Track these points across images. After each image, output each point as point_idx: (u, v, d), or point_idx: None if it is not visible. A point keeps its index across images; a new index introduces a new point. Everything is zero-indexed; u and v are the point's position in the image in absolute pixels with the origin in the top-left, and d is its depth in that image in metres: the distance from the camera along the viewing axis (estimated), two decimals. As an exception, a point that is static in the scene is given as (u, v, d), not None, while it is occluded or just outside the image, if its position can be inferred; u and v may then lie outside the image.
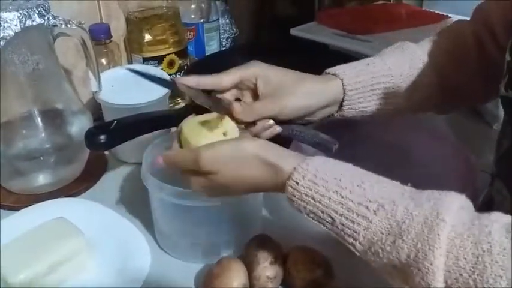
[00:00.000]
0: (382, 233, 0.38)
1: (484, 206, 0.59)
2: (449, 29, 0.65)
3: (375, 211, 0.39)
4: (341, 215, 0.40)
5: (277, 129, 0.55)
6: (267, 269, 0.53)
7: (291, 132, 0.56)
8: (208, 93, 0.55)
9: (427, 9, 1.22)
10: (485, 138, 0.84)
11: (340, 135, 0.73)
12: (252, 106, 0.54)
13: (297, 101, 0.54)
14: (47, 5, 0.62)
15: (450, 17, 1.14)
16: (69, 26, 0.64)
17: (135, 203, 0.69)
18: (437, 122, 0.86)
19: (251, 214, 0.63)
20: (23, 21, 0.58)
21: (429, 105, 0.63)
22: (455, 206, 0.37)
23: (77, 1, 0.83)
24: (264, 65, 0.56)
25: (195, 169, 0.47)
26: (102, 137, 0.57)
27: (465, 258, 0.34)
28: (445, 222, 0.36)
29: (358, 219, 0.39)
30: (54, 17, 0.63)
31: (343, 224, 0.40)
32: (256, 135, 0.54)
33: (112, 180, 0.77)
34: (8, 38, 0.58)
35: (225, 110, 0.53)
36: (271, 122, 0.54)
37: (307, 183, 0.42)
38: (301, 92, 0.55)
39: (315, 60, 0.94)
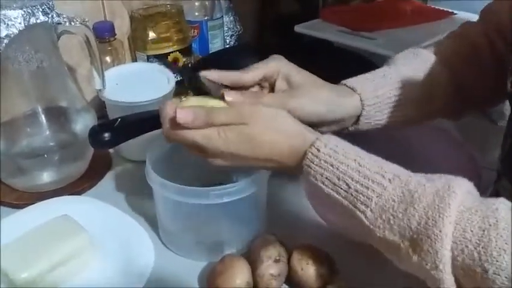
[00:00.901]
0: (394, 201, 0.39)
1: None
2: (459, 31, 0.64)
3: (390, 180, 0.40)
4: (357, 181, 0.41)
5: None
6: (271, 267, 0.53)
7: None
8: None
9: (432, 6, 1.21)
10: (491, 135, 0.83)
11: (344, 134, 0.74)
12: (261, 99, 0.53)
13: (309, 106, 0.54)
14: (51, 3, 0.63)
15: (455, 14, 1.13)
16: (73, 23, 0.64)
17: (140, 200, 0.69)
18: (443, 119, 0.85)
19: (255, 212, 0.63)
20: (27, 19, 0.59)
21: (442, 111, 0.62)
22: (465, 185, 0.39)
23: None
24: (286, 62, 0.56)
25: (228, 120, 0.47)
26: (106, 135, 0.57)
27: (472, 231, 0.35)
28: (456, 194, 0.37)
29: (373, 186, 0.40)
30: (58, 15, 0.63)
31: (357, 191, 0.41)
32: None
33: (116, 178, 0.77)
34: (12, 35, 0.58)
35: None
36: None
37: (328, 150, 0.43)
38: (316, 99, 0.54)
39: (320, 57, 0.95)
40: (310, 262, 0.53)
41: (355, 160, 0.42)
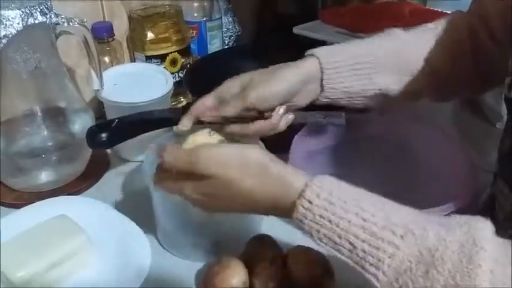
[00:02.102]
0: (411, 262, 0.34)
1: (486, 205, 0.59)
2: (443, 20, 0.64)
3: (402, 236, 0.34)
4: (363, 240, 0.35)
5: (290, 116, 0.55)
6: (267, 268, 0.53)
7: (298, 120, 0.56)
8: None
9: (431, 8, 1.21)
10: (488, 137, 0.83)
11: (345, 134, 0.74)
12: (244, 96, 0.52)
13: (267, 89, 0.53)
14: (49, 3, 0.63)
15: (454, 16, 1.13)
16: (71, 24, 0.64)
17: (137, 201, 0.69)
18: (441, 120, 0.85)
19: (251, 214, 0.63)
20: (25, 20, 0.59)
21: (421, 90, 0.61)
22: (489, 231, 0.34)
23: (79, 0, 0.83)
24: (260, 91, 0.53)
25: (190, 169, 0.43)
26: (104, 135, 0.57)
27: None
28: (485, 251, 0.32)
29: (383, 245, 0.35)
30: (57, 15, 0.63)
31: (364, 251, 0.35)
32: (275, 128, 0.54)
33: (114, 178, 0.77)
34: (10, 36, 0.58)
35: None
36: (282, 110, 0.54)
37: (322, 202, 0.37)
38: (276, 78, 0.54)
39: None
40: (305, 264, 0.54)
41: (357, 214, 0.36)
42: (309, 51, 0.58)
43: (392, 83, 0.58)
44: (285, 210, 0.40)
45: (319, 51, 0.57)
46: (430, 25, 0.63)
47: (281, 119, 0.54)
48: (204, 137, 0.51)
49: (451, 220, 0.36)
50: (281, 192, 0.40)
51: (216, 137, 0.52)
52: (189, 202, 0.46)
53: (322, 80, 0.56)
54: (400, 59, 0.58)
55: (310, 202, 0.38)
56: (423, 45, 0.59)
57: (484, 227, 0.34)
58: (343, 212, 0.37)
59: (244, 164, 0.42)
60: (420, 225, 0.35)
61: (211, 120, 0.53)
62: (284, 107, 0.54)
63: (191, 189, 0.44)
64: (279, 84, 0.54)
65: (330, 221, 0.37)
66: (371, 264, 0.35)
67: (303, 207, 0.38)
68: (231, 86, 0.55)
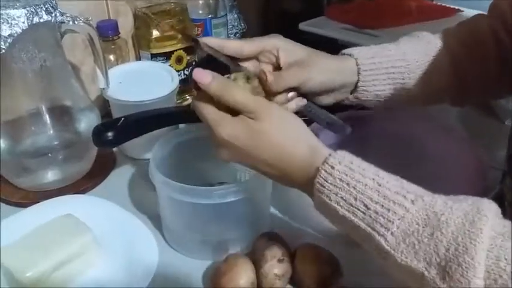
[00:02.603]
0: (418, 224, 0.36)
1: (495, 201, 0.58)
2: (466, 21, 0.64)
3: (412, 201, 0.37)
4: (376, 202, 0.38)
5: (303, 100, 0.55)
6: (275, 266, 0.53)
7: (305, 109, 0.56)
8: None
9: (438, 3, 1.20)
10: (497, 134, 0.82)
11: (352, 130, 0.73)
12: (281, 74, 0.53)
13: (319, 75, 0.55)
14: (54, 2, 0.62)
15: (462, 11, 1.12)
16: (76, 22, 0.64)
17: (144, 199, 0.69)
18: (449, 117, 0.85)
19: (259, 211, 0.62)
20: (30, 18, 0.58)
21: (444, 95, 0.62)
22: (494, 208, 0.36)
23: (85, -2, 0.83)
24: (284, 38, 0.56)
25: (242, 107, 0.45)
26: (110, 134, 0.57)
27: (506, 259, 0.33)
28: (487, 218, 0.35)
29: (395, 208, 0.37)
30: (62, 14, 0.63)
31: (377, 212, 0.38)
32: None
33: (121, 176, 0.77)
34: (15, 35, 0.58)
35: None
36: (293, 93, 0.54)
37: (343, 168, 0.40)
38: (323, 68, 0.55)
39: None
40: (313, 262, 0.53)
41: (373, 179, 0.39)
42: (346, 51, 0.59)
43: (419, 89, 0.59)
44: (307, 174, 0.42)
45: (358, 52, 0.58)
46: (451, 28, 0.63)
47: (289, 102, 0.55)
48: (243, 82, 0.50)
49: (459, 196, 0.38)
50: (311, 156, 0.43)
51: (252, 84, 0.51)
52: (216, 141, 0.46)
53: (357, 81, 0.57)
54: (429, 64, 0.59)
55: (332, 167, 0.41)
56: (448, 48, 0.60)
57: (489, 202, 0.37)
58: (361, 177, 0.39)
59: (288, 124, 0.45)
60: (430, 194, 0.38)
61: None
62: (295, 93, 0.55)
63: (229, 126, 0.45)
64: (322, 71, 0.55)
65: (348, 184, 0.39)
66: (381, 225, 0.37)
67: (326, 171, 0.41)
68: (281, 55, 0.55)
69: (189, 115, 0.53)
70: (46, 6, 0.60)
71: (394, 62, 0.58)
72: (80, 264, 0.58)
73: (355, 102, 0.60)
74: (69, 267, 0.56)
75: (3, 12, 0.57)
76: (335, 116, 0.58)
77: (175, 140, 0.65)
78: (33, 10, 0.58)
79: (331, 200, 0.40)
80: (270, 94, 0.52)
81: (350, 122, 0.62)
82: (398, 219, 0.37)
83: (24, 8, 0.58)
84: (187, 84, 0.92)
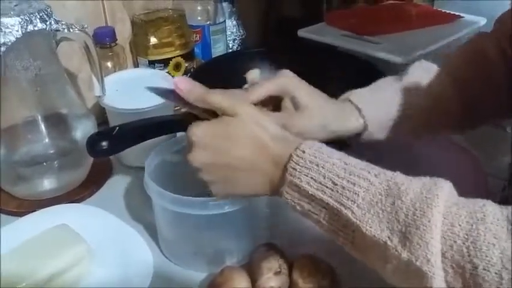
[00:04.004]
0: (381, 195, 0.38)
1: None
2: (471, 41, 0.63)
3: (376, 175, 0.40)
4: (343, 178, 0.40)
5: None
6: (272, 279, 0.52)
7: None
8: None
9: (439, 9, 1.19)
10: (499, 142, 0.82)
11: (348, 138, 0.72)
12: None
13: (314, 129, 0.54)
14: (49, 10, 0.62)
15: (463, 17, 1.11)
16: (71, 30, 0.63)
17: (140, 208, 0.69)
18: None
19: (256, 222, 0.62)
20: (25, 27, 0.58)
21: (451, 127, 0.61)
22: (449, 183, 0.38)
23: (81, 4, 0.83)
24: (295, 80, 0.54)
25: (219, 107, 0.46)
26: (104, 143, 0.56)
27: (460, 225, 0.35)
28: (443, 187, 0.37)
29: (360, 181, 0.39)
30: (57, 22, 0.63)
31: (343, 187, 0.40)
32: None
33: (117, 185, 0.76)
34: (9, 43, 0.57)
35: None
36: None
37: (313, 151, 0.42)
38: (321, 123, 0.54)
39: (323, 61, 0.93)
40: (311, 274, 0.52)
41: (340, 159, 0.42)
42: (354, 99, 0.56)
43: (423, 128, 0.59)
44: (281, 164, 0.44)
45: (365, 106, 0.56)
46: (457, 52, 0.62)
47: None
48: None
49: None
50: (284, 147, 0.44)
51: None
52: (189, 142, 0.47)
53: (361, 134, 0.57)
54: (434, 103, 0.58)
55: (303, 151, 0.43)
56: (455, 76, 0.59)
57: (445, 180, 0.38)
58: (329, 158, 0.42)
59: (264, 118, 0.46)
60: (392, 171, 0.40)
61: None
62: None
63: (206, 125, 0.46)
64: (318, 134, 0.54)
65: (317, 165, 0.42)
66: (348, 198, 0.39)
67: (297, 155, 0.43)
68: (285, 99, 0.54)
69: (186, 123, 0.52)
70: (41, 14, 0.60)
71: (401, 107, 0.57)
72: (74, 275, 0.57)
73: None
74: (63, 278, 0.56)
75: (-3, 20, 0.57)
76: None
77: (171, 149, 0.64)
78: (27, 18, 0.58)
79: (301, 181, 0.42)
80: None
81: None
82: (363, 191, 0.39)
83: (18, 16, 0.58)
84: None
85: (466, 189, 0.61)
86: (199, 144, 0.46)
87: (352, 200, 0.39)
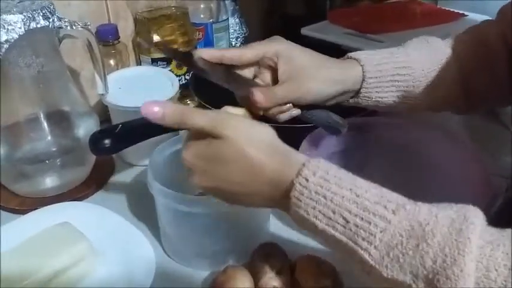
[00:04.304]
0: (402, 236, 0.34)
1: (500, 211, 0.57)
2: (475, 27, 0.63)
3: (393, 211, 0.35)
4: (355, 215, 0.36)
5: (295, 111, 0.54)
6: (274, 279, 0.52)
7: (303, 114, 0.55)
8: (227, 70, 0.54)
9: (442, 7, 1.19)
10: (502, 141, 0.81)
11: (354, 139, 0.72)
12: (273, 91, 0.51)
13: (318, 88, 0.53)
14: (52, 7, 0.62)
15: (466, 15, 1.11)
16: (74, 27, 0.63)
17: (142, 207, 0.68)
18: (453, 124, 0.84)
19: (258, 222, 0.62)
20: (27, 24, 0.58)
21: (449, 103, 0.61)
22: (481, 215, 0.35)
23: (85, 2, 0.82)
24: (287, 43, 0.54)
25: (203, 129, 0.42)
26: (107, 141, 0.55)
27: (496, 270, 0.31)
28: (475, 226, 0.33)
29: (375, 220, 0.35)
30: (60, 19, 0.62)
31: (357, 226, 0.36)
32: (272, 118, 0.53)
33: (119, 183, 0.76)
34: (12, 40, 0.57)
35: (243, 90, 0.51)
36: (288, 105, 0.53)
37: (317, 180, 0.38)
38: (323, 79, 0.53)
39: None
40: (314, 274, 0.52)
41: (350, 190, 0.37)
42: (352, 55, 0.57)
43: (424, 97, 0.58)
44: (282, 189, 0.40)
45: (365, 57, 0.56)
46: (460, 34, 0.62)
47: (283, 113, 0.53)
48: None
49: (443, 203, 0.36)
50: (283, 168, 0.40)
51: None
52: (185, 167, 0.44)
53: (360, 88, 0.56)
54: (436, 72, 0.58)
55: (306, 180, 0.38)
56: (457, 56, 0.59)
57: (475, 209, 0.35)
58: (338, 188, 0.37)
59: (255, 133, 0.42)
60: (412, 202, 0.36)
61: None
62: (290, 105, 0.53)
63: (196, 149, 0.43)
64: (326, 80, 0.53)
65: (324, 197, 0.37)
66: (363, 239, 0.35)
67: (300, 184, 0.38)
68: (280, 62, 0.53)
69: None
70: (43, 12, 0.59)
71: (400, 70, 0.57)
72: (77, 273, 0.57)
73: (353, 105, 0.59)
74: (65, 276, 0.56)
75: (-1, 17, 0.56)
76: (334, 115, 0.57)
77: (174, 147, 0.64)
78: (30, 15, 0.58)
79: (309, 215, 0.38)
80: (261, 109, 0.51)
81: (352, 129, 0.61)
82: (381, 231, 0.35)
83: (21, 13, 0.57)
84: (187, 90, 0.91)
85: (470, 190, 0.61)
86: (194, 169, 0.43)
87: (368, 241, 0.35)
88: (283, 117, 0.53)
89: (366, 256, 0.35)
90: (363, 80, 0.56)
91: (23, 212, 0.67)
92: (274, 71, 0.54)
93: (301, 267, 0.53)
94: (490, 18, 0.63)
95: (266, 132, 0.43)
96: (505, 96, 0.60)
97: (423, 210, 0.35)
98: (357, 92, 0.57)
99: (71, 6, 0.79)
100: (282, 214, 0.65)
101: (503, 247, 0.32)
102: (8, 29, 0.56)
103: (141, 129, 0.59)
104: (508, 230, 0.33)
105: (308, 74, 0.53)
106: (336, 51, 1.00)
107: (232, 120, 0.43)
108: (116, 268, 0.58)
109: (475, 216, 0.34)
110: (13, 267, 0.54)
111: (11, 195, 0.71)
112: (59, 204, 0.67)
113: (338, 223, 0.37)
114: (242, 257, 0.58)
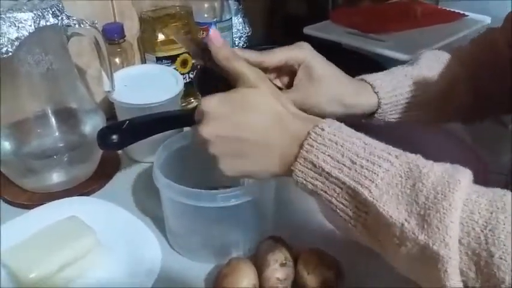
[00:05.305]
0: (401, 177, 0.38)
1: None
2: (482, 37, 0.64)
3: (397, 156, 0.39)
4: (362, 157, 0.39)
5: None
6: (277, 270, 0.53)
7: None
8: None
9: (443, 7, 1.20)
10: (501, 139, 0.82)
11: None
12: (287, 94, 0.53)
13: (326, 105, 0.54)
14: (60, 5, 0.63)
15: (467, 15, 1.12)
16: (82, 26, 0.64)
17: (148, 202, 0.70)
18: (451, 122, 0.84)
19: (262, 215, 0.63)
20: (37, 22, 0.59)
21: (459, 114, 0.62)
22: (469, 171, 0.38)
23: (90, 1, 0.84)
24: (311, 52, 0.55)
25: (241, 75, 0.46)
26: (115, 137, 0.57)
27: (479, 213, 0.34)
28: (465, 173, 0.37)
29: (380, 161, 0.39)
30: (68, 17, 0.63)
31: (362, 166, 0.39)
32: None
33: (125, 179, 0.77)
34: (22, 38, 0.58)
35: None
36: None
37: (332, 130, 0.42)
38: (333, 99, 0.55)
39: (329, 59, 0.94)
40: (316, 267, 0.53)
41: (360, 139, 0.41)
42: (369, 79, 0.57)
43: (437, 110, 0.59)
44: (300, 144, 0.42)
45: (380, 84, 0.57)
46: (467, 45, 0.63)
47: None
48: None
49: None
50: (304, 122, 0.44)
51: None
52: (202, 114, 0.45)
53: (375, 113, 0.57)
54: (447, 85, 0.59)
55: (322, 129, 0.42)
56: (466, 67, 0.60)
57: (466, 169, 0.38)
58: (349, 137, 0.41)
59: (279, 93, 0.47)
60: (413, 154, 0.40)
61: None
62: None
63: (223, 96, 0.46)
64: (332, 109, 0.55)
65: (336, 143, 0.41)
66: (366, 178, 0.39)
67: (315, 133, 0.42)
68: (300, 69, 0.54)
69: (193, 118, 0.53)
70: (53, 10, 0.61)
71: (414, 92, 0.57)
72: (83, 265, 0.58)
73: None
74: (72, 269, 0.57)
75: (10, 15, 0.58)
76: None
77: (179, 143, 0.65)
78: (40, 13, 0.59)
79: (318, 158, 0.41)
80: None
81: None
82: (383, 171, 0.38)
83: (31, 11, 0.59)
84: (192, 88, 0.92)
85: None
86: (212, 115, 0.44)
87: (370, 180, 0.38)
88: None
89: (366, 193, 0.38)
90: (378, 106, 0.57)
91: (30, 207, 0.68)
92: (292, 75, 0.55)
93: (304, 260, 0.54)
94: (490, 19, 0.64)
95: (290, 101, 0.47)
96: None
97: (422, 159, 0.39)
98: (370, 115, 0.58)
99: (77, 5, 0.80)
100: (286, 208, 0.67)
101: (487, 196, 0.35)
102: (18, 27, 0.57)
103: (148, 125, 0.61)
104: (495, 189, 0.36)
105: (321, 89, 0.54)
106: (338, 51, 1.02)
107: (268, 80, 0.48)
108: (121, 261, 0.59)
109: (465, 170, 0.38)
110: (22, 260, 0.55)
111: (19, 190, 0.73)
112: (66, 199, 0.68)
113: (345, 165, 0.40)
114: (246, 249, 0.60)
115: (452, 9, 1.16)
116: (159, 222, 0.65)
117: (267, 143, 0.44)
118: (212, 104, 0.45)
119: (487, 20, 1.08)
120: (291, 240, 0.58)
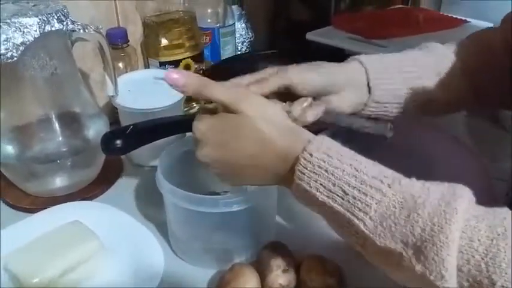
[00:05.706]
0: (395, 207, 0.37)
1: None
2: (478, 34, 0.64)
3: (389, 185, 0.38)
4: (354, 187, 0.39)
5: (319, 109, 0.50)
6: (280, 276, 0.53)
7: (346, 120, 0.53)
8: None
9: (446, 14, 1.20)
10: (502, 144, 0.82)
11: (356, 141, 0.73)
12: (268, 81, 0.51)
13: (310, 78, 0.52)
14: (65, 11, 0.63)
15: (469, 22, 1.12)
16: (87, 31, 0.65)
17: (150, 207, 0.70)
18: (454, 127, 0.84)
19: (265, 220, 0.63)
20: (42, 27, 0.59)
21: (462, 103, 0.61)
22: (469, 192, 0.37)
23: (94, 5, 0.84)
24: (301, 73, 0.52)
25: (222, 101, 0.45)
26: (118, 141, 0.57)
27: (479, 240, 0.34)
28: (463, 199, 0.36)
29: (372, 192, 0.38)
30: (73, 22, 0.64)
31: (354, 197, 0.39)
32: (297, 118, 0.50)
33: (128, 183, 0.77)
34: (27, 43, 0.58)
35: None
36: (307, 102, 0.50)
37: (321, 155, 0.41)
38: (318, 71, 0.53)
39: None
40: (319, 273, 0.53)
41: (350, 165, 0.40)
42: (350, 58, 0.57)
43: (437, 91, 0.58)
44: (288, 163, 0.43)
45: (361, 56, 0.56)
46: (463, 40, 0.62)
47: (305, 110, 0.50)
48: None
49: (436, 182, 0.39)
50: (291, 144, 0.43)
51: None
52: (195, 139, 0.47)
53: (368, 82, 0.55)
54: (440, 71, 0.58)
55: (310, 155, 0.41)
56: (461, 61, 0.59)
57: (464, 187, 0.37)
58: (339, 163, 0.40)
59: (269, 110, 0.45)
60: (407, 178, 0.39)
61: None
62: (310, 99, 0.50)
63: (211, 122, 0.46)
64: (319, 71, 0.53)
65: (326, 171, 0.40)
66: (359, 210, 0.38)
67: (305, 159, 0.41)
68: (269, 69, 0.53)
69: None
70: (58, 15, 0.61)
71: (404, 66, 0.56)
72: (86, 270, 0.58)
73: (378, 109, 0.57)
74: (75, 274, 0.57)
75: (16, 20, 0.58)
76: (371, 121, 0.54)
77: (182, 148, 0.65)
78: (45, 19, 0.59)
79: (311, 187, 0.41)
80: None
81: (355, 131, 0.62)
82: (376, 203, 0.38)
83: (37, 16, 0.59)
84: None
85: (472, 190, 0.62)
86: (203, 140, 0.46)
87: (364, 212, 0.38)
88: (310, 114, 0.50)
89: (361, 226, 0.38)
90: (367, 73, 0.55)
91: (33, 211, 0.68)
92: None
93: (306, 266, 0.55)
94: (492, 25, 0.64)
95: (278, 110, 0.46)
96: (509, 99, 0.61)
97: (417, 185, 0.38)
98: (368, 87, 0.55)
99: (81, 10, 0.80)
100: (288, 214, 0.67)
101: (487, 221, 0.34)
102: (24, 32, 0.58)
103: (151, 130, 0.61)
104: (494, 208, 0.36)
105: (302, 67, 0.53)
106: (340, 56, 1.02)
107: (249, 97, 0.46)
108: (124, 265, 0.59)
109: (464, 191, 0.37)
110: (24, 264, 0.55)
111: (22, 194, 0.73)
112: (69, 203, 0.68)
113: (337, 195, 0.40)
114: (249, 255, 0.60)
115: (454, 16, 1.17)
116: (161, 227, 0.65)
117: (258, 165, 0.45)
118: (200, 128, 0.46)
119: (488, 26, 1.08)
120: (293, 246, 0.58)
